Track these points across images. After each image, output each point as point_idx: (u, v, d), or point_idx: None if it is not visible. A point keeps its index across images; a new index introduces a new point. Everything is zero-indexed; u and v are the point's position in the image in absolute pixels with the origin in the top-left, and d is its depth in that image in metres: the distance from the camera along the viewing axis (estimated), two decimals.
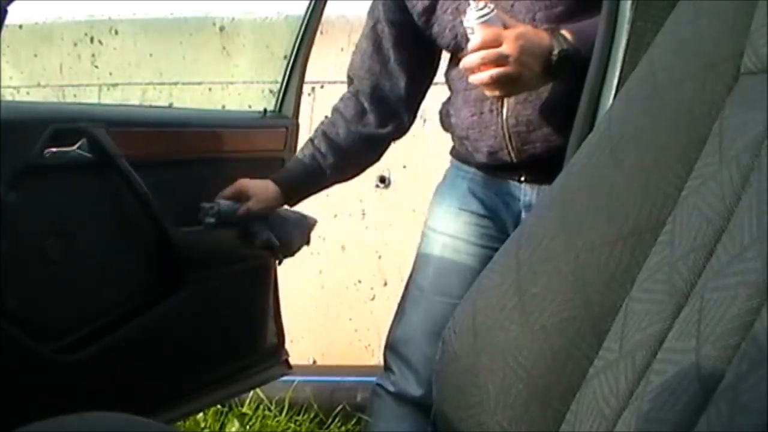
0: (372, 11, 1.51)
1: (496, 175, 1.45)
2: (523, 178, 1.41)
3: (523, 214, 1.42)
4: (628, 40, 0.91)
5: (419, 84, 1.53)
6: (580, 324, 0.71)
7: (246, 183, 1.54)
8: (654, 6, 0.89)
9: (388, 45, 1.49)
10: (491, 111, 1.35)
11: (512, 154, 1.36)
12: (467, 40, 1.34)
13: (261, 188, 1.54)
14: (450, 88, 1.48)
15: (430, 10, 1.39)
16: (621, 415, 0.65)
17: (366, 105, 1.52)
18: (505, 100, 1.33)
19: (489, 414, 0.74)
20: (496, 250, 1.42)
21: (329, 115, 1.57)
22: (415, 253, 1.56)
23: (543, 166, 1.35)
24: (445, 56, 1.52)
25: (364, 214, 2.68)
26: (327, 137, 1.54)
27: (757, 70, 0.69)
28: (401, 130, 1.58)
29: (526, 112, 1.32)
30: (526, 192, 1.41)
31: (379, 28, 1.49)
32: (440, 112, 1.53)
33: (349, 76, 1.56)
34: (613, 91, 0.92)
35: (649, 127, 0.75)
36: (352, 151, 1.55)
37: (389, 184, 2.63)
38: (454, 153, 1.55)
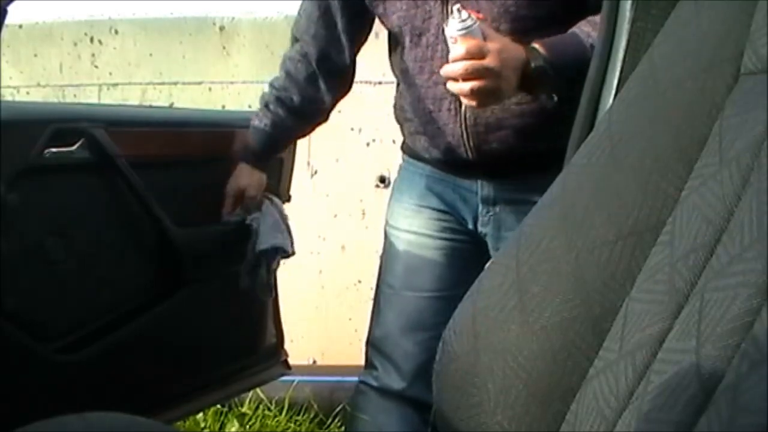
0: None
1: (451, 172, 1.46)
2: (478, 174, 1.42)
3: (481, 208, 1.44)
4: (628, 41, 0.91)
5: (357, 50, 1.55)
6: (580, 324, 0.71)
7: (235, 184, 1.60)
8: (654, 6, 0.89)
9: (336, 11, 1.48)
10: (449, 110, 1.36)
11: (469, 153, 1.37)
12: (418, 34, 1.35)
13: (246, 175, 1.61)
14: (401, 81, 1.48)
15: None
16: (621, 416, 0.65)
17: (316, 67, 1.53)
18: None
19: (489, 414, 0.74)
20: (459, 242, 1.48)
21: (279, 77, 1.58)
22: (381, 252, 1.58)
23: (500, 165, 1.38)
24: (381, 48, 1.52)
25: (364, 214, 2.68)
26: (282, 102, 1.56)
27: (758, 70, 0.69)
28: (345, 94, 1.61)
29: (485, 114, 1.33)
30: (483, 186, 1.43)
31: None
32: (394, 106, 1.54)
33: (294, 37, 1.56)
34: (613, 91, 0.92)
35: (649, 127, 0.75)
36: (307, 115, 1.59)
37: (389, 184, 2.63)
38: (407, 149, 1.56)
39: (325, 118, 1.63)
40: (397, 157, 2.55)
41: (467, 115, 1.34)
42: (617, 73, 0.92)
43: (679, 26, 0.78)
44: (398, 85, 1.52)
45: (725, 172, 0.66)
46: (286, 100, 1.55)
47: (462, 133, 1.36)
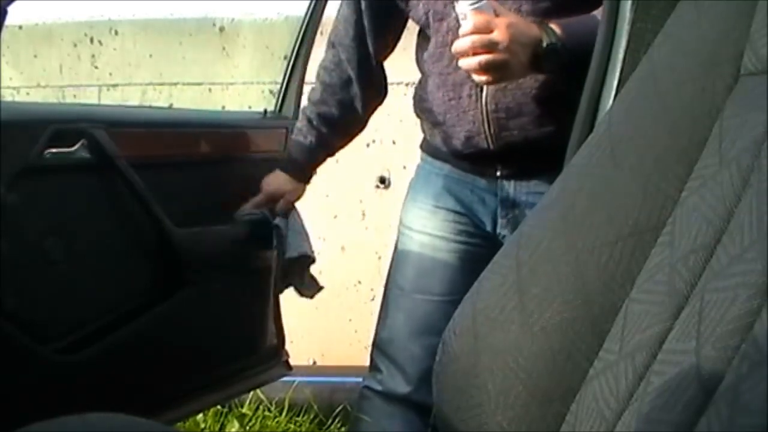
0: None
1: (470, 169, 1.45)
2: (498, 173, 1.41)
3: (500, 210, 1.42)
4: (629, 41, 0.91)
5: (386, 53, 1.58)
6: (580, 325, 0.71)
7: (272, 185, 1.64)
8: (654, 6, 0.89)
9: (369, 14, 1.50)
10: (470, 96, 1.35)
11: (489, 141, 1.36)
12: (439, 19, 1.36)
13: (285, 184, 1.64)
14: (422, 71, 1.48)
15: None
16: (621, 416, 0.65)
17: (351, 73, 1.55)
18: (483, 87, 1.33)
19: (489, 415, 0.74)
20: (474, 245, 1.46)
21: (316, 89, 1.59)
22: (392, 252, 1.56)
23: (519, 159, 1.37)
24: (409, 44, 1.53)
25: (364, 214, 2.68)
26: (324, 118, 1.58)
27: (758, 70, 0.69)
28: (380, 101, 1.63)
29: (506, 99, 1.33)
30: (503, 187, 1.42)
31: None
32: (414, 98, 1.53)
33: (332, 42, 1.57)
34: (613, 92, 0.92)
35: (650, 127, 0.75)
36: (347, 126, 1.62)
37: (389, 184, 2.63)
38: (427, 148, 1.54)
39: (363, 126, 1.65)
40: (397, 158, 2.55)
41: (488, 100, 1.34)
42: (617, 74, 0.92)
43: (679, 27, 0.78)
44: (420, 77, 1.51)
45: (725, 173, 0.66)
46: (327, 114, 1.58)
47: (483, 119, 1.35)
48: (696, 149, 0.71)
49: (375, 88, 1.59)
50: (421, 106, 1.49)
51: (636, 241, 0.71)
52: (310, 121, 1.59)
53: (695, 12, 0.77)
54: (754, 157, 0.64)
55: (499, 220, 1.43)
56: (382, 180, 2.64)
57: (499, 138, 1.36)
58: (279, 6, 2.73)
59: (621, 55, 0.92)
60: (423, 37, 1.45)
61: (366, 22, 1.50)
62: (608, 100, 0.93)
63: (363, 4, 1.50)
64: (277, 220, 1.65)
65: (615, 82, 0.92)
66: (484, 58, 1.18)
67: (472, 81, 1.30)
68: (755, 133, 0.65)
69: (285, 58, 1.89)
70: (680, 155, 0.71)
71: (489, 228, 1.45)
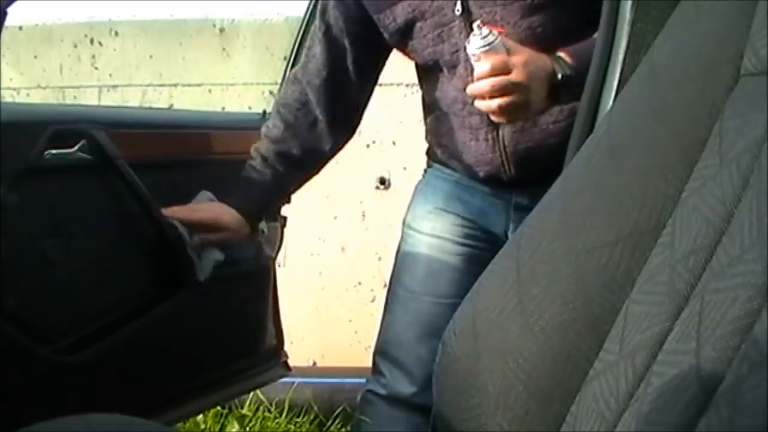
0: (323, 15, 1.44)
1: (483, 182, 1.44)
2: (513, 187, 1.40)
3: (513, 214, 1.41)
4: (629, 42, 0.91)
5: (369, 91, 1.51)
6: (580, 326, 0.71)
7: (214, 215, 1.46)
8: (654, 7, 0.89)
9: (344, 54, 1.43)
10: (486, 140, 1.34)
11: (508, 176, 1.37)
12: (452, 66, 1.33)
13: (231, 220, 1.45)
14: (436, 107, 1.43)
15: (406, 30, 1.35)
16: (621, 417, 0.65)
17: (319, 115, 1.46)
18: (501, 129, 1.32)
19: (489, 416, 0.74)
20: (481, 249, 1.45)
21: (277, 126, 1.48)
22: (397, 255, 1.55)
23: (538, 180, 1.35)
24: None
25: (364, 215, 2.68)
26: (283, 156, 1.46)
27: (757, 71, 0.69)
28: (349, 138, 1.54)
29: (525, 140, 1.32)
30: (516, 194, 1.41)
31: (335, 35, 1.43)
32: (428, 131, 1.51)
33: (297, 79, 1.48)
34: (614, 93, 0.92)
35: (650, 128, 0.75)
36: (308, 167, 1.52)
37: (389, 185, 2.63)
38: (436, 157, 1.52)
39: (326, 162, 1.55)
40: (397, 159, 2.55)
41: (506, 144, 1.32)
42: (617, 75, 0.92)
43: (680, 27, 0.78)
44: (429, 108, 1.48)
45: (725, 174, 0.66)
46: (287, 153, 1.46)
47: (502, 162, 1.34)
48: (696, 150, 0.71)
49: (345, 129, 1.51)
50: (436, 140, 1.48)
51: (636, 242, 0.71)
52: (264, 158, 1.46)
53: (695, 12, 0.77)
54: (754, 157, 0.64)
55: (511, 225, 1.41)
56: (382, 181, 2.64)
57: (519, 172, 1.35)
58: (279, 6, 2.73)
59: (621, 56, 0.92)
60: (428, 75, 1.42)
61: (348, 64, 1.43)
62: (608, 100, 0.93)
63: (348, 47, 1.42)
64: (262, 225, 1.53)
65: (615, 83, 0.92)
66: (504, 100, 1.15)
67: (489, 125, 1.29)
68: (755, 134, 0.65)
69: (285, 58, 1.88)
70: (680, 155, 0.71)
71: (499, 232, 1.43)
